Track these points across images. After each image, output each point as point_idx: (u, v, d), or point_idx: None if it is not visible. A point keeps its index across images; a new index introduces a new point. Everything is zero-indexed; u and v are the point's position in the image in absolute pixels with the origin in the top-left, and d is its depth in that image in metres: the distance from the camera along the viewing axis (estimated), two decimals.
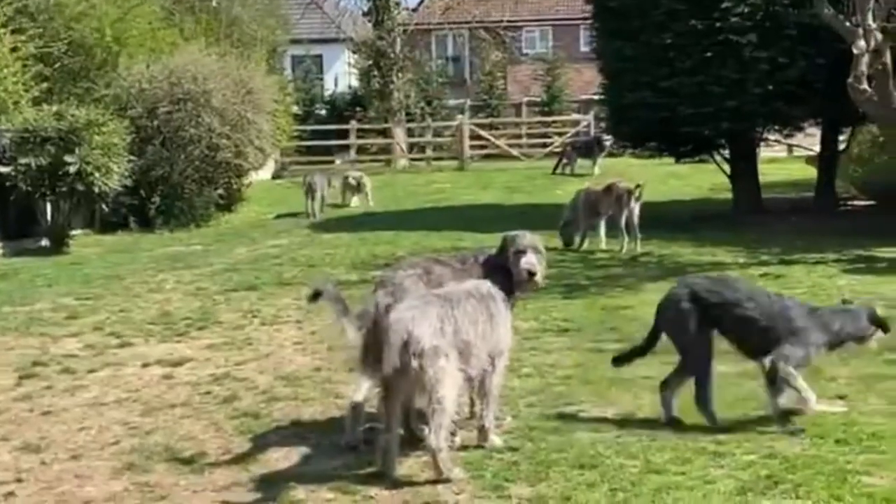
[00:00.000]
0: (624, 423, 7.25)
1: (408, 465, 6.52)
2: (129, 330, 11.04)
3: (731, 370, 8.61)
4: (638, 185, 16.41)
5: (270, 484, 6.36)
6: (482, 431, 6.79)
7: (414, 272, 7.27)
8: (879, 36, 13.64)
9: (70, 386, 8.90)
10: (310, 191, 23.76)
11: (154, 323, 11.39)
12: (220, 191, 23.37)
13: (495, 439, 6.81)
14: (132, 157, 20.55)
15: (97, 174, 18.71)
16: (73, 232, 19.60)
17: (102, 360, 9.80)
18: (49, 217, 19.32)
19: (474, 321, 6.41)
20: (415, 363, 6.07)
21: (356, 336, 6.80)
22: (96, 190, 18.91)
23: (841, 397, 7.65)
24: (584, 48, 41.51)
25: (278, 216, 24.10)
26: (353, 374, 7.33)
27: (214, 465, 6.76)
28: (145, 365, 9.55)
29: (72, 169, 18.49)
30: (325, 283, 6.94)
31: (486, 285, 6.82)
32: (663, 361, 8.88)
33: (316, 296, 6.82)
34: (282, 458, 6.85)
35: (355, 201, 25.15)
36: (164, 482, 6.49)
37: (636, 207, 15.99)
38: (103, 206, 20.53)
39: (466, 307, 6.41)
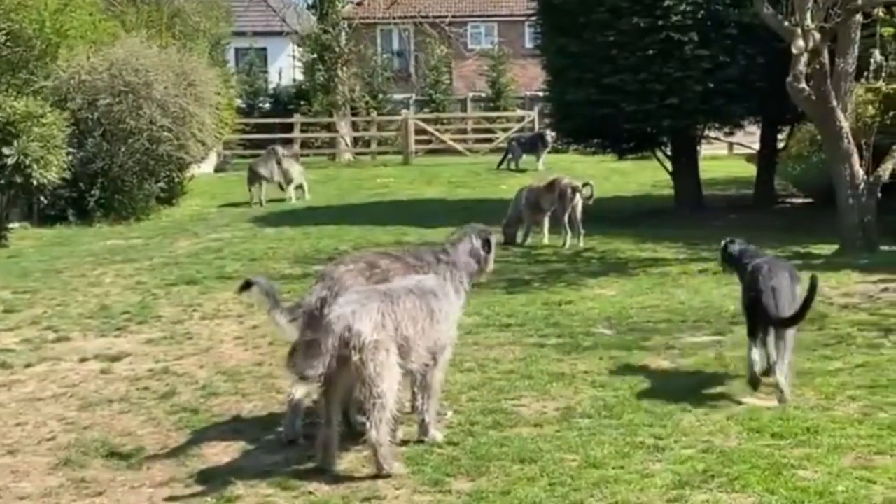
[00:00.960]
0: (564, 417, 7.29)
1: (348, 460, 6.52)
2: (67, 324, 10.91)
3: (669, 365, 8.71)
4: (586, 183, 16.47)
5: (209, 479, 6.33)
6: (423, 426, 6.82)
7: (356, 266, 7.26)
8: (817, 36, 13.80)
9: (6, 381, 8.79)
10: (255, 178, 23.97)
11: (92, 317, 11.26)
12: (162, 184, 23.15)
13: (436, 434, 6.83)
14: (71, 150, 20.28)
15: (35, 166, 18.45)
16: (11, 225, 19.29)
17: (39, 354, 9.68)
18: None
19: (414, 317, 6.44)
20: (356, 357, 6.08)
21: (290, 329, 6.88)
22: (34, 182, 18.65)
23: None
24: (528, 45, 41.66)
25: (221, 206, 23.95)
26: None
27: (152, 460, 6.72)
28: (83, 360, 9.44)
29: (10, 161, 18.21)
30: (258, 276, 7.01)
31: (431, 281, 6.86)
32: (601, 357, 9.00)
33: (246, 286, 6.83)
34: (220, 453, 6.83)
35: (292, 194, 24.88)
36: (101, 478, 6.44)
37: (579, 204, 16.06)
38: (42, 198, 20.25)
39: (406, 303, 6.44)
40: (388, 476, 6.19)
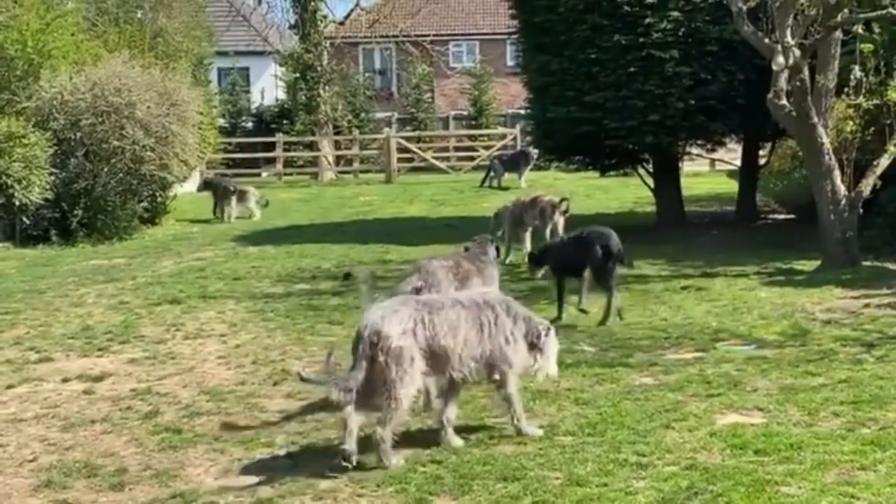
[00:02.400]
0: (547, 435, 7.29)
1: (332, 481, 6.50)
2: (49, 344, 10.87)
3: (652, 382, 8.72)
4: (563, 199, 16.55)
5: (192, 500, 6.31)
6: (518, 431, 7.17)
7: (446, 263, 8.52)
8: (798, 52, 13.86)
9: None
10: (225, 194, 24.96)
11: (75, 337, 11.22)
12: (145, 203, 23.12)
13: (533, 430, 7.18)
14: (54, 170, 20.25)
15: (17, 187, 18.43)
16: None
17: (21, 375, 9.63)
18: None
19: (455, 328, 6.79)
20: (381, 359, 6.52)
21: None
22: (17, 203, 18.62)
23: (760, 409, 7.76)
24: (510, 62, 41.74)
25: (204, 225, 23.92)
26: None
27: (135, 481, 6.69)
28: (65, 380, 9.40)
29: None
30: (358, 267, 7.87)
31: (490, 295, 7.36)
32: (584, 374, 9.01)
33: (347, 277, 7.24)
34: (203, 473, 6.81)
35: (256, 214, 25.40)
36: (83, 499, 6.41)
37: (560, 220, 16.13)
38: (24, 219, 20.20)
39: (449, 314, 6.83)
40: (386, 468, 6.52)
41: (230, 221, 24.43)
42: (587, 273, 11.21)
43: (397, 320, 6.62)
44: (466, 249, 9.65)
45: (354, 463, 6.56)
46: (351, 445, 6.54)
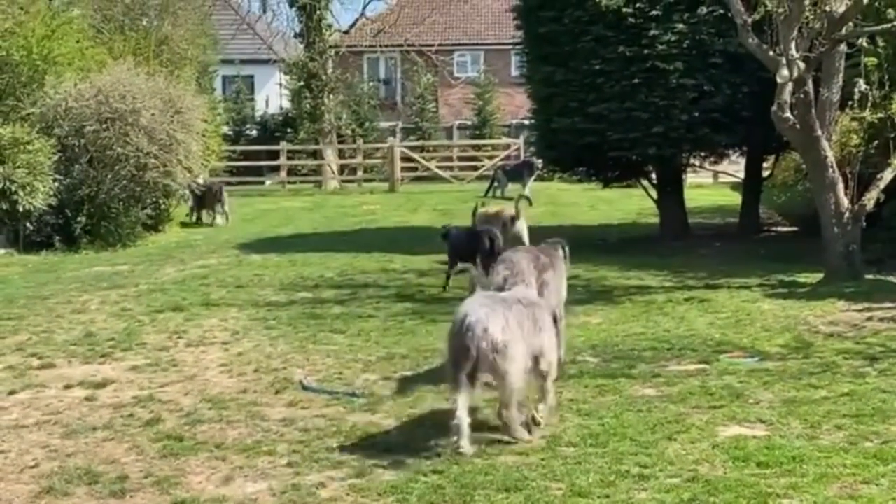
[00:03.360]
0: (549, 446, 7.28)
1: (332, 488, 6.49)
2: (52, 351, 10.86)
3: (655, 394, 8.71)
4: (522, 196, 17.84)
5: None
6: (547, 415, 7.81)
7: (528, 255, 9.52)
8: (802, 65, 13.86)
9: None
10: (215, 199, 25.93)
11: (77, 344, 11.22)
12: (148, 210, 23.14)
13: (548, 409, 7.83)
14: (58, 176, 20.27)
15: (22, 193, 18.45)
16: None
17: (23, 381, 9.62)
18: None
19: (520, 322, 7.50)
20: (491, 356, 7.18)
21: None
22: (20, 209, 18.64)
23: (763, 421, 7.75)
24: (514, 73, 41.78)
25: (207, 232, 23.95)
26: None
27: (136, 488, 6.68)
28: (67, 387, 9.39)
29: None
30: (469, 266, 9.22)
31: (534, 294, 8.59)
32: (586, 385, 9.00)
33: (461, 271, 9.21)
34: (205, 481, 6.80)
35: (219, 220, 26.04)
36: None
37: (524, 228, 16.66)
38: (28, 225, 20.22)
39: (515, 310, 7.57)
40: (519, 441, 7.30)
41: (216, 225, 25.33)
42: (478, 259, 13.38)
43: (496, 320, 7.30)
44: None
45: (464, 447, 7.07)
46: (462, 432, 7.12)
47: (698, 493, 6.23)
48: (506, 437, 7.44)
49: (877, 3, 14.72)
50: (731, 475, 6.57)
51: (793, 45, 13.73)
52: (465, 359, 7.14)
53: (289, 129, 41.00)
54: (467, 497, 6.31)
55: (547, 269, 9.50)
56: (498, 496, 6.31)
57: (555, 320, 7.99)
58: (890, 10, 14.56)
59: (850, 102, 14.97)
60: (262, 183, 38.07)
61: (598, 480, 6.51)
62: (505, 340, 7.24)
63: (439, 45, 44.97)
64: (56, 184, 19.95)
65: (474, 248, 13.52)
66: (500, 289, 8.77)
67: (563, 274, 10.06)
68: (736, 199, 23.84)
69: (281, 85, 43.86)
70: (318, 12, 39.27)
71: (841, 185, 14.32)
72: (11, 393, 9.21)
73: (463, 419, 7.11)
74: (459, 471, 6.76)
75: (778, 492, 6.24)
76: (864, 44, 14.68)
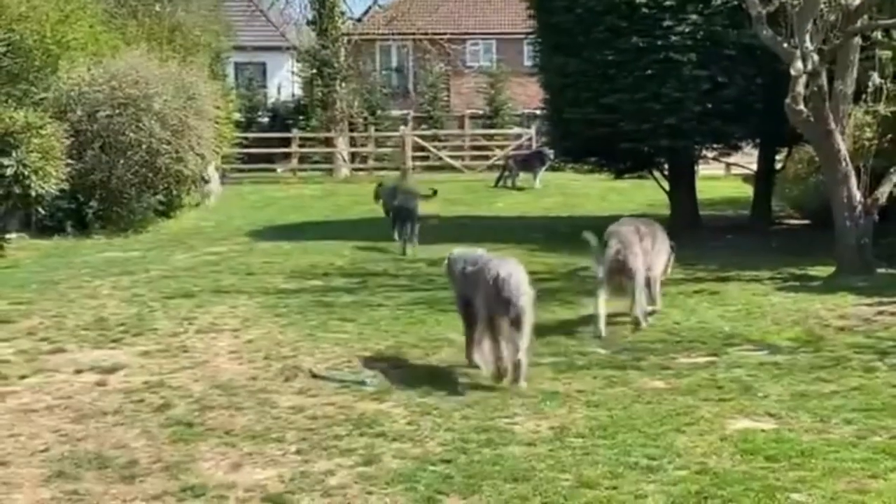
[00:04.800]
0: (557, 436, 7.29)
1: (340, 476, 6.51)
2: (63, 336, 10.89)
3: (663, 386, 8.71)
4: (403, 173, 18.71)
5: (202, 493, 6.33)
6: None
7: (633, 228, 11.40)
8: (816, 58, 13.82)
9: (0, 392, 8.77)
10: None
11: (88, 329, 11.25)
12: (160, 197, 23.15)
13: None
14: (70, 161, 20.27)
15: (34, 177, 18.44)
16: (9, 236, 19.25)
17: (34, 365, 9.66)
18: None
19: (646, 249, 11.21)
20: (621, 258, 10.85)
21: (601, 271, 10.86)
22: (33, 193, 18.63)
23: (772, 415, 7.75)
24: (527, 62, 41.60)
25: (218, 219, 23.94)
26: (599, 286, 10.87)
27: (145, 473, 6.70)
28: (78, 371, 9.43)
29: (8, 172, 18.20)
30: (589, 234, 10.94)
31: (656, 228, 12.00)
32: (595, 376, 9.01)
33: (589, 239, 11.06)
34: (214, 467, 6.82)
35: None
36: (93, 490, 6.42)
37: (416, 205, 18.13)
38: (40, 209, 20.22)
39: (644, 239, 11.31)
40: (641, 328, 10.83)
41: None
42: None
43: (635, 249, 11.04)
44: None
45: (602, 333, 10.51)
46: (600, 326, 10.66)
47: (706, 486, 6.24)
48: (515, 426, 7.46)
49: None
50: (739, 468, 6.57)
51: (807, 37, 13.69)
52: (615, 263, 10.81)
53: (300, 117, 40.95)
54: (475, 486, 6.32)
55: (646, 237, 11.41)
56: (506, 486, 6.32)
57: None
58: None
59: (863, 95, 14.94)
60: (274, 170, 38.04)
61: (606, 472, 6.52)
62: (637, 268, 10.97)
63: (452, 33, 44.80)
64: (68, 169, 19.94)
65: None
66: (615, 260, 10.81)
67: (667, 241, 12.07)
68: (748, 191, 23.77)
69: (293, 72, 43.80)
70: (330, 0, 39.21)
71: (854, 179, 14.29)
72: (22, 377, 9.24)
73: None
74: (467, 460, 6.77)
75: (786, 485, 6.24)
76: (879, 37, 14.65)
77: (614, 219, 16.01)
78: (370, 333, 10.98)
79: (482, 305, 8.87)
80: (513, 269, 8.90)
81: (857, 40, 14.83)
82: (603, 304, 10.72)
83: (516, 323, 8.61)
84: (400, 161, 34.75)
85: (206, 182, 26.23)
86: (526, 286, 8.80)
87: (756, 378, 8.87)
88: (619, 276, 10.87)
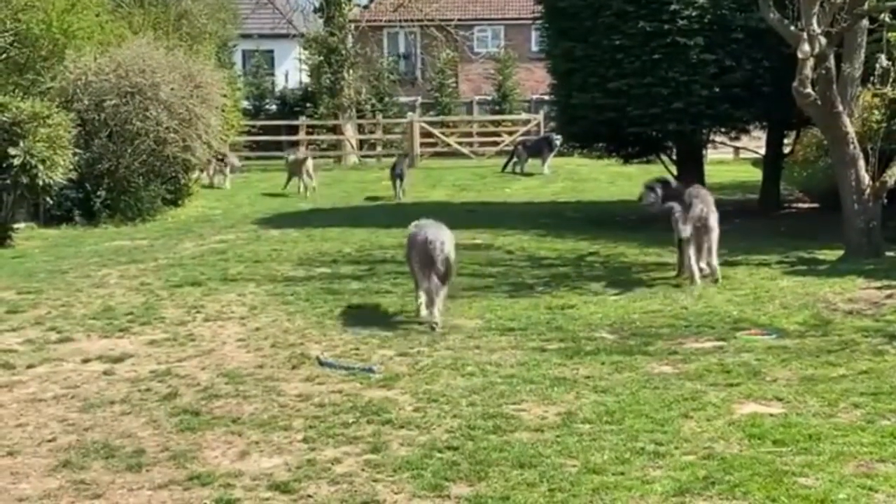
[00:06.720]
0: (565, 422, 7.28)
1: (347, 464, 6.51)
2: (71, 325, 10.91)
3: (671, 371, 8.70)
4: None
5: (208, 482, 6.34)
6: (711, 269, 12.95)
7: (704, 190, 13.52)
8: (824, 40, 13.75)
9: (8, 381, 8.79)
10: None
11: (96, 318, 11.26)
12: (167, 185, 23.16)
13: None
14: (78, 150, 20.29)
15: (41, 167, 18.45)
16: (17, 225, 19.29)
17: (42, 355, 9.68)
18: None
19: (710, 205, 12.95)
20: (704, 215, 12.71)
21: (686, 230, 12.64)
22: (40, 183, 18.65)
23: (779, 399, 7.73)
24: (535, 48, 41.55)
25: (226, 207, 23.98)
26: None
27: (152, 462, 6.71)
28: (85, 361, 9.45)
29: (16, 161, 18.22)
30: (674, 204, 12.85)
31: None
32: (603, 361, 9.00)
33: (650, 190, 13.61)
34: (220, 455, 6.83)
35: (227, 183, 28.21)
36: (100, 480, 6.44)
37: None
38: (47, 199, 20.26)
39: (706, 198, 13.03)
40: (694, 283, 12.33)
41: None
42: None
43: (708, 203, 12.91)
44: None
45: (699, 282, 12.47)
46: (696, 278, 12.67)
47: (714, 471, 6.23)
48: (522, 413, 7.45)
49: None
50: (746, 453, 6.56)
51: (814, 20, 13.62)
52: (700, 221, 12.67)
53: (308, 104, 40.91)
54: (482, 473, 6.32)
55: (707, 198, 13.20)
56: (512, 472, 6.32)
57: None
58: None
59: (871, 78, 14.84)
60: (282, 158, 37.99)
61: (613, 457, 6.51)
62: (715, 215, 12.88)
63: (459, 19, 44.68)
64: (76, 158, 19.96)
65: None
66: (699, 218, 12.64)
67: (713, 202, 13.30)
68: (756, 175, 23.71)
69: (300, 60, 43.74)
70: None
71: (862, 162, 14.22)
72: (30, 366, 9.27)
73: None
74: (474, 447, 6.77)
75: (794, 470, 6.23)
76: (887, 19, 14.55)
77: (622, 204, 16.41)
78: (377, 320, 10.98)
79: (416, 261, 11.03)
80: (440, 234, 10.87)
81: (865, 22, 14.75)
82: (695, 257, 12.62)
83: (439, 275, 10.59)
84: (407, 147, 34.75)
85: (234, 169, 28.30)
86: (448, 248, 10.75)
87: (764, 362, 8.85)
88: (701, 233, 12.61)
